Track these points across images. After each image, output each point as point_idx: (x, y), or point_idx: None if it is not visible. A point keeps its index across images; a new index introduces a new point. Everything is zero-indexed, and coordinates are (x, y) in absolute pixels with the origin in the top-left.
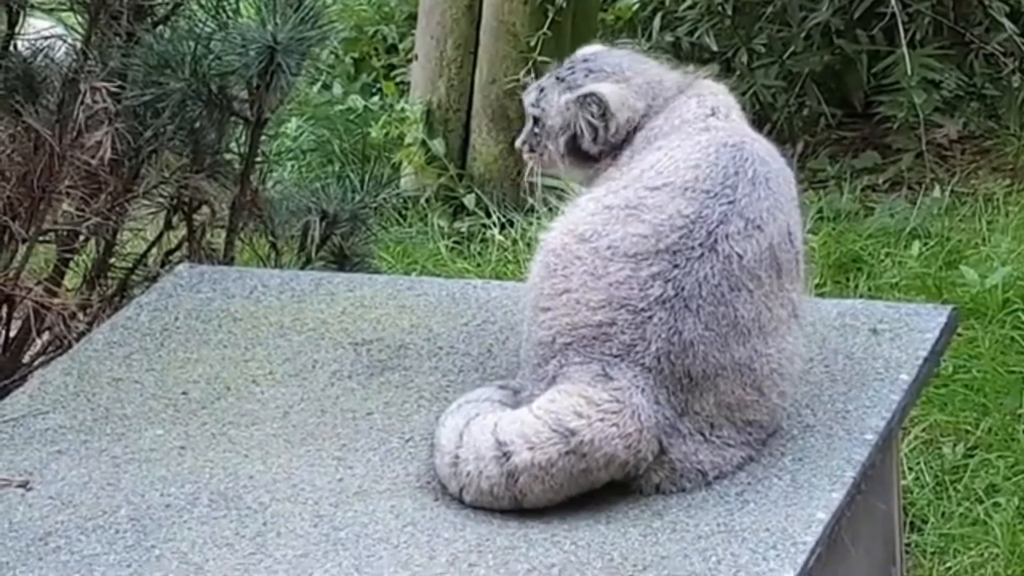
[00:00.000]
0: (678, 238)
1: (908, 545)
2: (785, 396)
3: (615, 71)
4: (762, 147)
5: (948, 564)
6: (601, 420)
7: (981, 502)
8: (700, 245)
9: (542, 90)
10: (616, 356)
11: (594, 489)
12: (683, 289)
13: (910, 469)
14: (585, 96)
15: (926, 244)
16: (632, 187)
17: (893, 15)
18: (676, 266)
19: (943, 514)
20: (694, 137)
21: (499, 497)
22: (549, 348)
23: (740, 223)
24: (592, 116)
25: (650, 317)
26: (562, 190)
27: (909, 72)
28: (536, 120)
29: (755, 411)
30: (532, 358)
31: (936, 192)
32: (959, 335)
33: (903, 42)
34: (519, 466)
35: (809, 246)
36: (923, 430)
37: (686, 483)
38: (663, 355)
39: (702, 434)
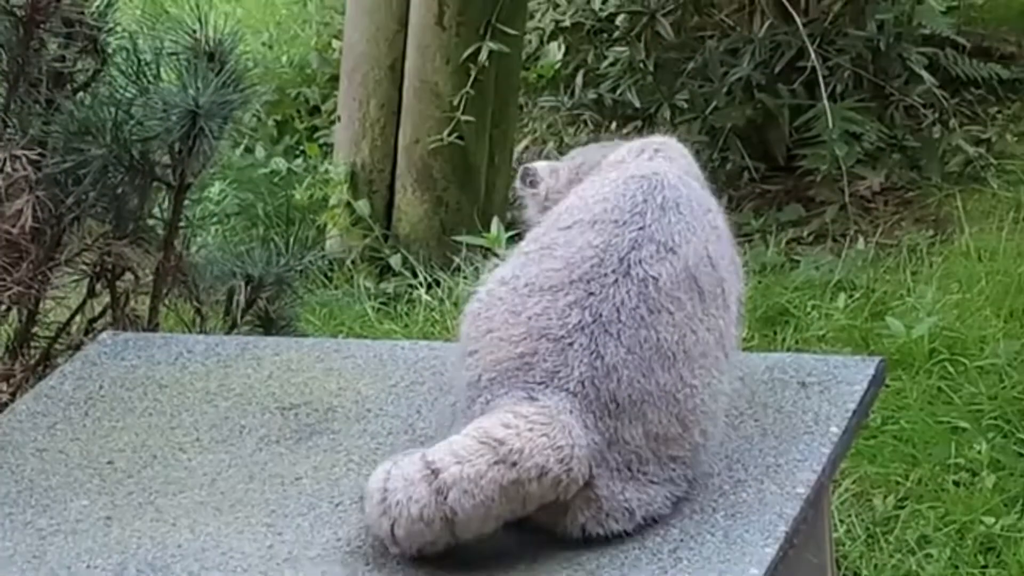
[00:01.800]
0: (590, 267)
1: None
2: (707, 436)
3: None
4: (676, 177)
5: None
6: (530, 431)
7: (913, 553)
8: (613, 271)
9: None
10: (540, 383)
11: (525, 549)
12: (601, 315)
13: (841, 522)
14: (523, 174)
15: (852, 296)
16: (547, 230)
17: (813, 69)
18: (591, 293)
19: (875, 566)
20: (606, 174)
21: (430, 522)
22: (476, 387)
23: (652, 247)
24: (528, 186)
25: (571, 344)
26: (488, 248)
27: (831, 125)
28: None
29: (679, 446)
30: (462, 403)
31: (860, 244)
32: (887, 386)
33: (824, 95)
34: (447, 481)
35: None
36: (854, 482)
37: (613, 523)
38: (587, 380)
39: (629, 468)
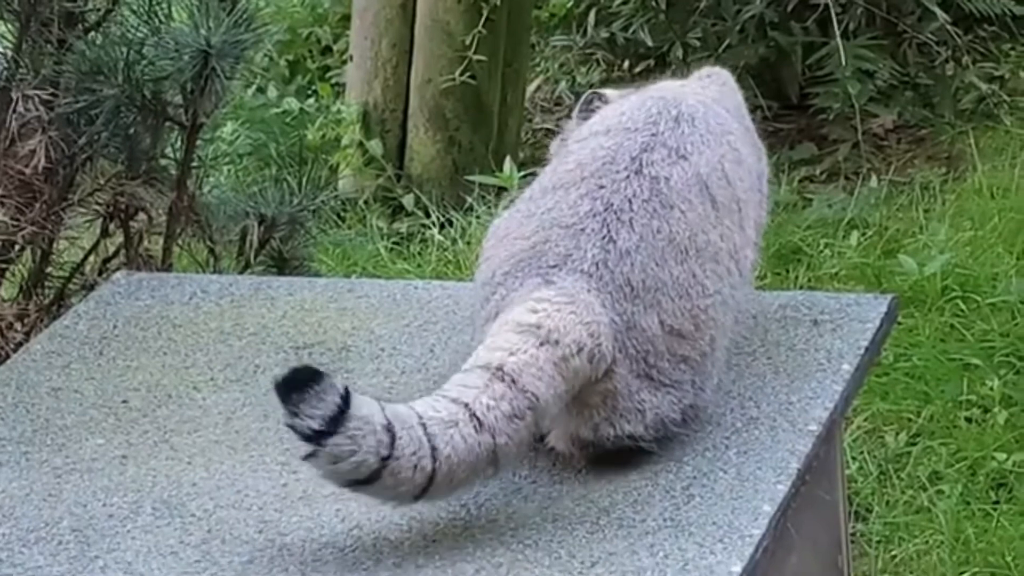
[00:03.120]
0: (601, 165)
1: (853, 534)
2: (715, 346)
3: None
4: (696, 99)
5: (893, 552)
6: (558, 311)
7: (925, 490)
8: (624, 168)
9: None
10: (553, 266)
11: (539, 487)
12: (612, 204)
13: (854, 459)
14: (587, 97)
15: (864, 234)
16: (566, 145)
17: (826, 7)
18: (602, 187)
19: (887, 503)
20: (630, 97)
21: (521, 414)
22: (490, 285)
23: (663, 151)
24: (597, 111)
25: (582, 229)
26: (501, 188)
27: (843, 63)
28: None
29: (690, 345)
30: (477, 304)
31: (873, 182)
32: (899, 324)
33: (837, 33)
34: (515, 370)
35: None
36: (866, 419)
37: (625, 424)
38: (600, 262)
39: (645, 361)
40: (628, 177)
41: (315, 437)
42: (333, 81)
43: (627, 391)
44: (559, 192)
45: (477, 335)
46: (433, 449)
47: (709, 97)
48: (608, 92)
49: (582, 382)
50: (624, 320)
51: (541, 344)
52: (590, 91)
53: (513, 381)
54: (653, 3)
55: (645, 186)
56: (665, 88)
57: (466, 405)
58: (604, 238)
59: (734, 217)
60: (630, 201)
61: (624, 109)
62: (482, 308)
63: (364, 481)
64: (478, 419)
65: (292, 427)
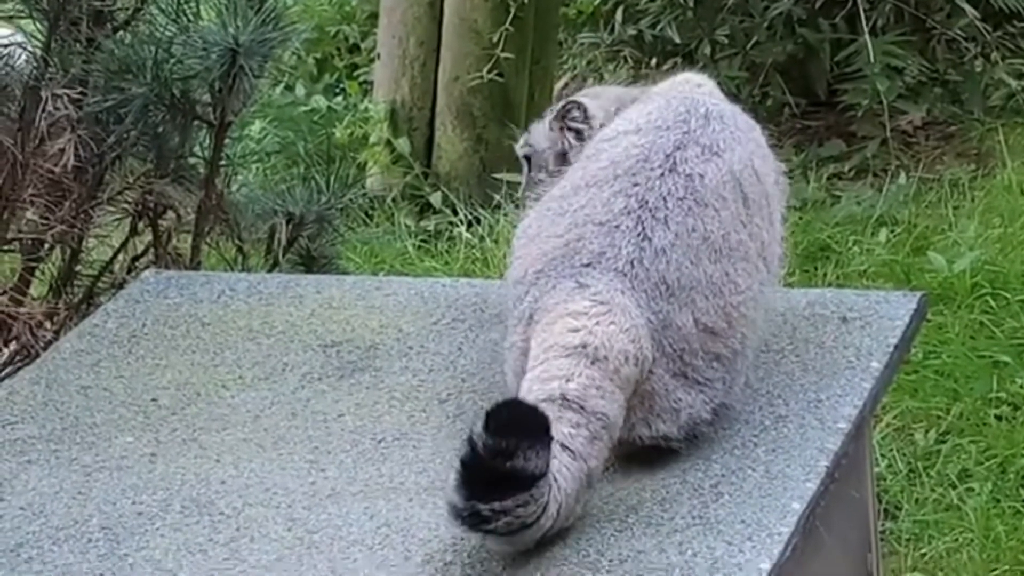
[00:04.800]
0: (635, 163)
1: (883, 532)
2: (746, 343)
3: (586, 94)
4: (717, 99)
5: (923, 550)
6: (597, 324)
7: (954, 487)
8: (659, 166)
9: (527, 132)
10: (587, 265)
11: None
12: (647, 202)
13: (883, 456)
14: (565, 106)
15: (893, 231)
16: (592, 146)
17: (855, 3)
18: (637, 184)
19: (917, 500)
20: (651, 101)
21: (599, 436)
22: (522, 284)
23: (696, 148)
24: (575, 121)
25: (617, 227)
26: None
27: (872, 59)
28: (528, 160)
29: (723, 344)
30: (509, 303)
31: (902, 179)
32: (928, 321)
33: (865, 30)
34: (579, 394)
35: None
36: (895, 417)
37: (660, 424)
38: (635, 260)
39: (681, 359)
40: (663, 175)
41: (530, 483)
42: (361, 79)
43: (664, 391)
44: (592, 190)
45: (509, 335)
46: (555, 488)
47: (718, 98)
48: (587, 102)
49: (633, 387)
50: (660, 319)
51: (592, 363)
52: (568, 100)
53: (581, 407)
54: (681, 0)
55: (680, 184)
56: (676, 89)
57: (541, 435)
58: (639, 235)
59: (764, 213)
60: (665, 199)
61: (651, 109)
62: (515, 308)
63: (506, 534)
64: (570, 449)
65: (509, 471)
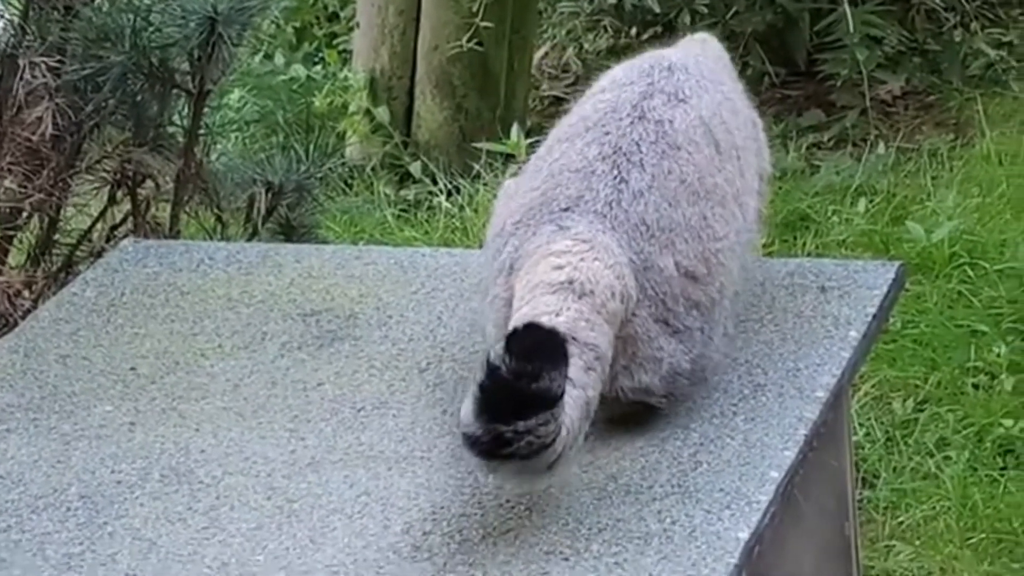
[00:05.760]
0: (603, 115)
1: (861, 501)
2: (723, 292)
3: None
4: (684, 55)
5: (900, 519)
6: (581, 260)
7: (932, 456)
8: (628, 115)
9: None
10: (566, 209)
11: None
12: (620, 148)
13: (861, 425)
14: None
15: (872, 201)
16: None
17: None
18: (608, 133)
19: (894, 469)
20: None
21: (601, 360)
22: (501, 236)
23: (663, 97)
24: None
25: (593, 172)
26: (508, 155)
27: (851, 29)
28: None
29: (702, 290)
30: (489, 255)
31: (881, 148)
32: (907, 291)
33: (845, 0)
34: (570, 327)
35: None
36: (873, 386)
37: (642, 374)
38: (613, 202)
39: (663, 303)
40: (632, 122)
41: (552, 403)
42: (340, 48)
43: (647, 336)
44: (564, 144)
45: (490, 290)
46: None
47: (693, 54)
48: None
49: (619, 324)
50: (641, 260)
51: (580, 297)
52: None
53: (573, 339)
54: None
55: (651, 129)
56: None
57: (539, 366)
58: (616, 179)
59: (735, 163)
60: (638, 144)
61: (615, 70)
62: (494, 260)
63: (526, 456)
64: (568, 378)
65: (535, 392)
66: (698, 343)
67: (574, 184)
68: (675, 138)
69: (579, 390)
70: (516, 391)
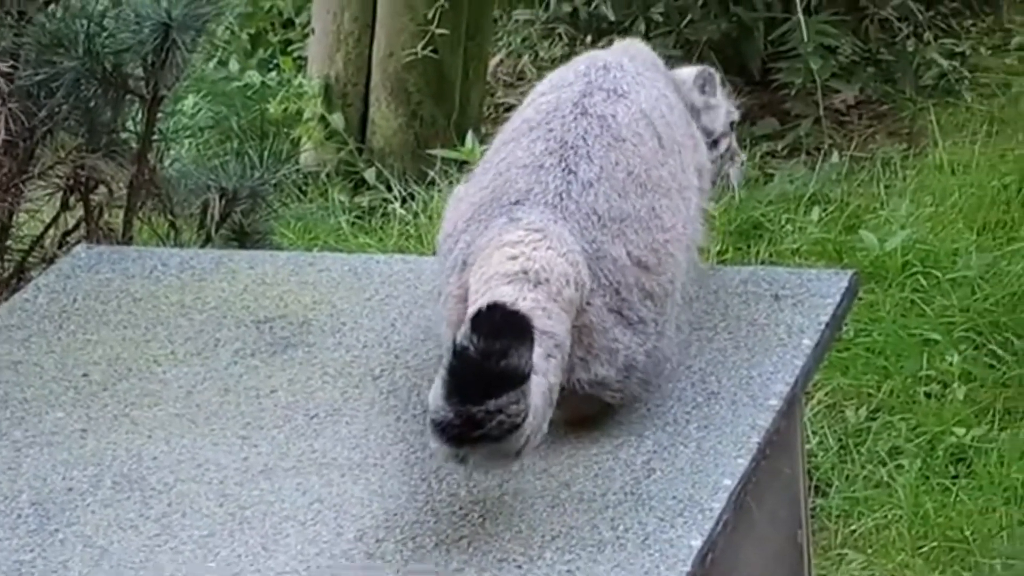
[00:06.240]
0: (546, 113)
1: (813, 509)
2: (675, 284)
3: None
4: (623, 57)
5: (853, 527)
6: (535, 249)
7: (884, 464)
8: (570, 112)
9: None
10: (516, 203)
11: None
12: (567, 142)
13: (814, 433)
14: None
15: (826, 209)
16: None
17: None
18: (552, 130)
19: (847, 477)
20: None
21: (562, 344)
22: (453, 236)
23: (602, 94)
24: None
25: (541, 166)
26: (463, 162)
27: (805, 39)
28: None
29: (655, 280)
30: (441, 255)
31: (835, 157)
32: (860, 299)
33: (799, 9)
34: (530, 310)
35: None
36: (826, 394)
37: (598, 366)
38: (563, 193)
39: (617, 292)
40: (576, 118)
41: (521, 380)
42: (295, 54)
43: (602, 326)
44: (510, 145)
45: (444, 289)
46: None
47: (625, 54)
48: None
49: (575, 312)
50: (594, 249)
51: (535, 286)
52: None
53: (533, 327)
54: None
55: (594, 123)
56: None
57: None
58: (564, 171)
59: (676, 157)
60: (584, 137)
61: (552, 74)
62: (447, 259)
63: (498, 438)
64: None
65: (504, 370)
66: (652, 335)
67: (523, 178)
68: (619, 131)
69: (540, 376)
70: (485, 371)
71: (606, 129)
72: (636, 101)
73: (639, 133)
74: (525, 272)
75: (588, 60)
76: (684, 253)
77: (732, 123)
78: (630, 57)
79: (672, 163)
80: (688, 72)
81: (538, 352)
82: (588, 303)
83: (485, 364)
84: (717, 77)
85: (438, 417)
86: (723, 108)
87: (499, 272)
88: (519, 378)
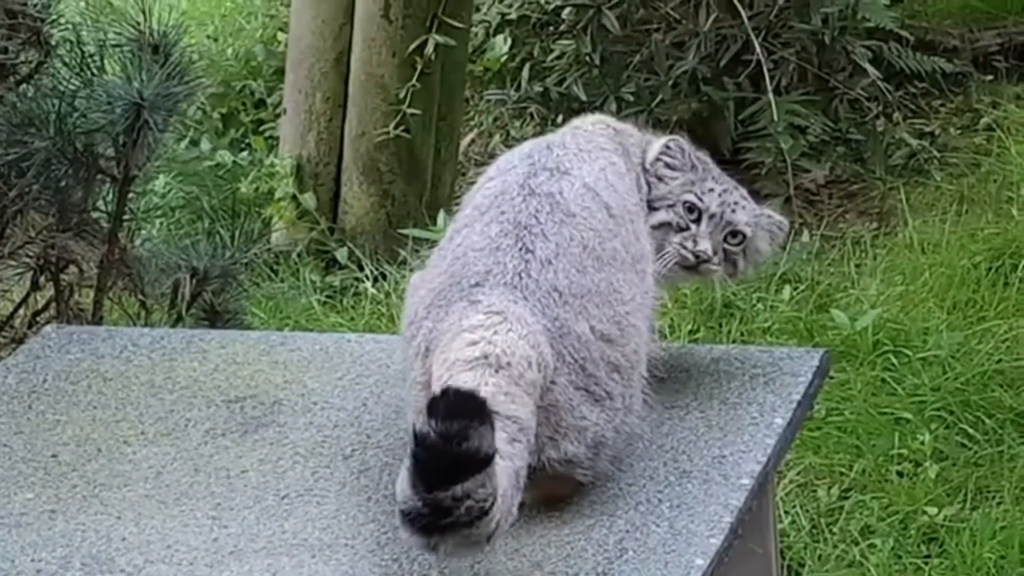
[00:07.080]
0: (495, 197)
1: None
2: (639, 355)
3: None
4: (567, 134)
5: None
6: (495, 333)
7: (857, 544)
8: (518, 193)
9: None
10: (475, 285)
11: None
12: (520, 222)
13: (786, 512)
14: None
15: (797, 288)
16: None
17: (759, 62)
18: (504, 212)
19: (820, 557)
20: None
21: (527, 429)
22: (416, 323)
23: (545, 174)
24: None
25: (498, 247)
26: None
27: (776, 118)
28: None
29: (620, 352)
30: (404, 341)
31: (805, 237)
32: (831, 378)
33: (769, 89)
34: (491, 398)
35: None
36: (798, 473)
37: (568, 444)
38: (522, 272)
39: (583, 369)
40: (524, 199)
41: (485, 463)
42: (267, 134)
43: (569, 404)
44: (464, 231)
45: (409, 375)
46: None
47: (571, 130)
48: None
49: (539, 393)
50: (557, 326)
51: (497, 371)
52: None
53: (495, 412)
54: (587, 58)
55: (544, 202)
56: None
57: (462, 438)
58: (521, 250)
59: (629, 226)
60: (536, 216)
61: (498, 159)
62: (410, 346)
63: (467, 524)
64: (496, 449)
65: (465, 452)
66: (620, 410)
67: (481, 260)
68: (568, 207)
69: (507, 460)
70: (447, 454)
71: (556, 206)
72: (579, 176)
73: (587, 207)
74: (486, 357)
75: (533, 143)
76: (645, 322)
77: (686, 202)
78: (573, 134)
79: (625, 232)
80: (659, 141)
81: (503, 437)
82: (553, 382)
83: (446, 447)
84: (680, 149)
85: (406, 507)
86: (678, 182)
87: (460, 358)
88: (482, 460)
